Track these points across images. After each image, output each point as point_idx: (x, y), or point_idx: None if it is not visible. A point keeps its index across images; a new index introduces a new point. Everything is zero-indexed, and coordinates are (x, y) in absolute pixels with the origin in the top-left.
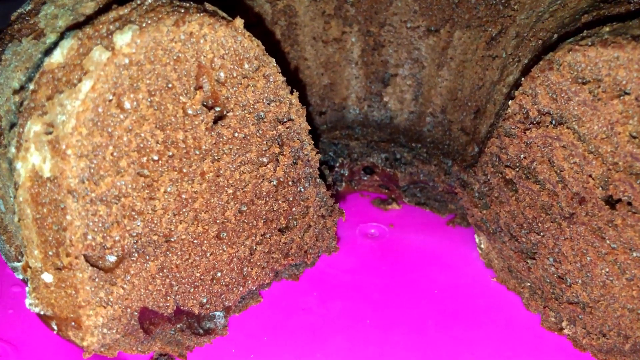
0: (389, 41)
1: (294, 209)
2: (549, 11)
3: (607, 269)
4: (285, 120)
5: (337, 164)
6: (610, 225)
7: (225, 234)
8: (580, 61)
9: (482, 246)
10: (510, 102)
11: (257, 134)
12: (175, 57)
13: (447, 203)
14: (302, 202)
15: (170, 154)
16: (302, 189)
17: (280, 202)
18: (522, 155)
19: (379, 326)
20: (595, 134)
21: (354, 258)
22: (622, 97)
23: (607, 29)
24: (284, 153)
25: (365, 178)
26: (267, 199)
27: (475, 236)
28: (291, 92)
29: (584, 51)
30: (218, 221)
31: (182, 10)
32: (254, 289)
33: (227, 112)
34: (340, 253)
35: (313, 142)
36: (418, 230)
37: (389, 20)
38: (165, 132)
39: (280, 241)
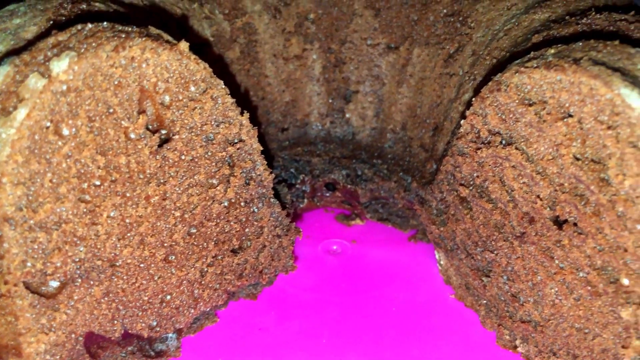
0: (349, 58)
1: (247, 230)
2: (504, 29)
3: (556, 289)
4: (236, 141)
5: (299, 181)
6: (558, 245)
7: (173, 257)
8: (526, 83)
9: (442, 262)
10: (462, 122)
11: (206, 156)
12: (116, 82)
13: (409, 219)
14: (255, 223)
15: (113, 178)
16: (256, 210)
17: (232, 223)
18: (475, 174)
19: (336, 345)
20: (542, 155)
21: (314, 275)
22: (565, 120)
23: (552, 50)
24: (235, 174)
25: (327, 194)
26: (218, 221)
27: (435, 252)
28: (241, 113)
29: (529, 73)
30: (165, 244)
31: (123, 35)
32: (208, 310)
33: (173, 135)
34: (300, 270)
35: (266, 162)
36: (380, 246)
37: (349, 38)
38: (106, 157)
39: (233, 262)
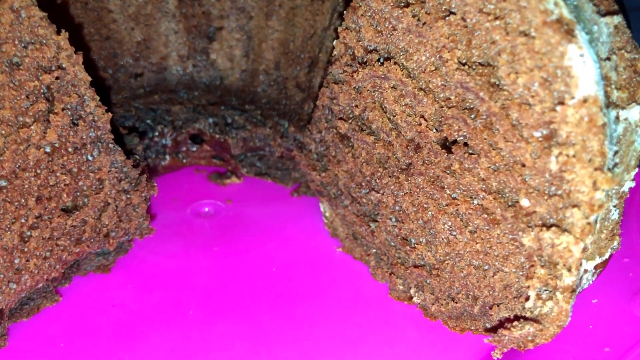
0: None
1: (81, 183)
2: None
3: (450, 223)
4: (53, 68)
5: (156, 133)
6: (448, 172)
7: None
8: None
9: (327, 214)
10: (335, 42)
11: (11, 85)
12: None
13: (290, 171)
14: (92, 174)
15: None
16: (90, 157)
17: (58, 174)
18: (353, 104)
19: (205, 317)
20: (424, 66)
21: (180, 241)
22: (447, 18)
23: None
24: (56, 111)
25: (193, 149)
26: (38, 171)
27: (320, 204)
28: (57, 32)
29: None
30: None
31: None
32: (41, 286)
33: None
34: (164, 236)
35: (99, 98)
36: (259, 203)
37: None
38: None
39: (66, 224)
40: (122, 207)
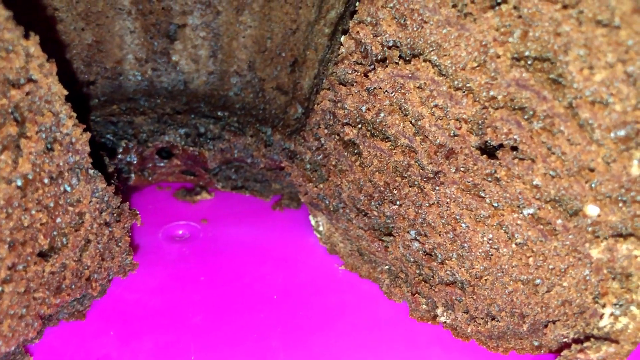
0: None
1: (59, 220)
2: None
3: (491, 235)
4: (22, 81)
5: (120, 149)
6: (490, 179)
7: None
8: None
9: (321, 229)
10: (342, 39)
11: None
12: None
13: (270, 182)
14: (71, 208)
15: None
16: (68, 188)
17: (33, 212)
18: (364, 107)
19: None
20: (464, 63)
21: (159, 272)
22: (497, 8)
23: None
24: (28, 134)
25: (162, 164)
26: (9, 211)
27: (311, 218)
28: (25, 36)
29: None
30: None
31: None
32: (12, 350)
33: None
34: (140, 269)
35: (76, 115)
36: (238, 221)
37: None
38: None
39: (43, 272)
40: (105, 243)
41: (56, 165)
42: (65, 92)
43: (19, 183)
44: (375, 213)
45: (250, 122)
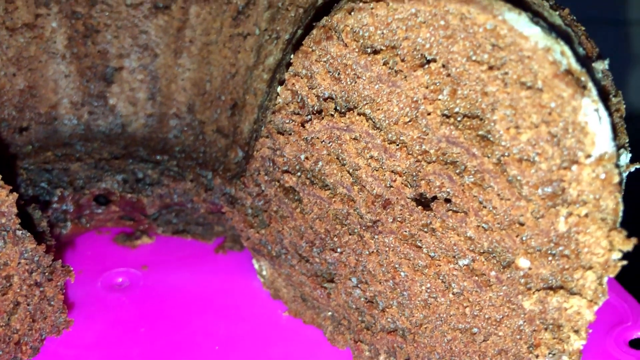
0: (105, 24)
1: None
2: None
3: (429, 285)
4: None
5: (56, 198)
6: (426, 230)
7: None
8: (368, 24)
9: (265, 273)
10: (279, 89)
11: None
12: None
13: (212, 225)
14: None
15: None
16: None
17: None
18: (302, 156)
19: None
20: (396, 118)
21: (97, 325)
22: (426, 67)
23: None
24: None
25: (99, 211)
26: None
27: (254, 262)
28: None
29: (371, 10)
30: None
31: None
32: None
33: None
34: (77, 321)
35: (1, 176)
36: (180, 266)
37: None
38: None
39: None
40: (36, 304)
41: None
42: None
43: None
44: (317, 260)
45: (190, 165)
